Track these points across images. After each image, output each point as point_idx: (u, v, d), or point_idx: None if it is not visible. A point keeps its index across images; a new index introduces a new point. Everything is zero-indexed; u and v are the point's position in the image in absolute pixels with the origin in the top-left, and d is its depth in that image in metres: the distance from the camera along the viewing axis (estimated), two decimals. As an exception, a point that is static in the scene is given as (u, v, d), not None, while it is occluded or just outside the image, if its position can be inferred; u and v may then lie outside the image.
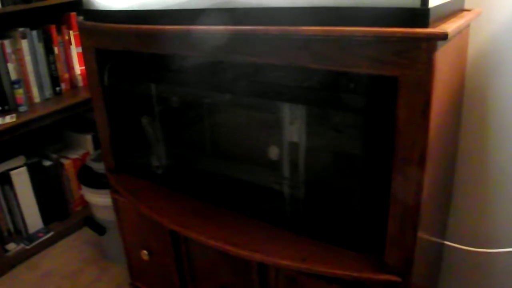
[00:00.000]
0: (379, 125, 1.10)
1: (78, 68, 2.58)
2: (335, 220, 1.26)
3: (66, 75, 2.54)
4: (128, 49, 1.42)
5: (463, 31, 1.31)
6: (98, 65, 1.59)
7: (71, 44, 2.54)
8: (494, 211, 1.60)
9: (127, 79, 1.56)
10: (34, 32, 2.38)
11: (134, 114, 1.63)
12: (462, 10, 1.37)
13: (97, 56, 1.58)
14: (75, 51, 2.55)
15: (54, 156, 2.52)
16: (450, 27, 1.03)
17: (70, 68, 2.55)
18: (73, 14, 2.51)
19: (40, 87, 2.44)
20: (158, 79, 1.48)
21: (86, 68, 1.65)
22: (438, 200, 1.36)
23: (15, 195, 2.37)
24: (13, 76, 2.31)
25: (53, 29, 2.44)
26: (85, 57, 1.62)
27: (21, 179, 2.37)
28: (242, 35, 1.13)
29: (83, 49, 1.61)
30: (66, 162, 2.53)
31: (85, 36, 1.58)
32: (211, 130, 1.50)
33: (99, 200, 2.09)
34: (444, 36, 0.96)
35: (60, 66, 2.50)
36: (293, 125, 1.23)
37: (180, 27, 1.21)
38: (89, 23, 1.51)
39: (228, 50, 1.18)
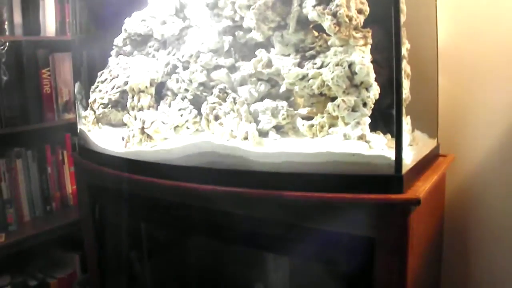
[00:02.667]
0: (360, 281, 1.14)
1: (70, 187, 2.62)
2: None
3: (58, 194, 2.57)
4: (119, 189, 1.48)
5: (439, 182, 1.38)
6: (90, 198, 1.65)
7: (64, 163, 2.60)
8: None
9: (118, 215, 1.60)
10: (29, 152, 2.44)
11: (123, 247, 1.66)
12: (438, 156, 1.45)
13: (90, 190, 1.64)
14: (67, 170, 2.60)
15: (40, 275, 2.50)
16: (423, 189, 1.10)
17: (61, 187, 2.59)
18: (67, 135, 2.59)
19: (31, 206, 2.46)
20: (147, 218, 1.53)
21: (79, 200, 1.70)
22: None
23: (-3, 316, 2.33)
24: (5, 194, 2.34)
25: (47, 149, 2.51)
26: (78, 191, 1.69)
27: (5, 300, 2.34)
28: (227, 193, 1.20)
29: (77, 183, 1.67)
30: (52, 281, 2.51)
31: (79, 172, 1.65)
32: (198, 270, 1.53)
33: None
34: (417, 202, 1.03)
35: (52, 185, 2.54)
36: (277, 273, 1.28)
37: (172, 183, 1.29)
38: (84, 161, 1.58)
39: (215, 203, 1.25)
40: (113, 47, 1.75)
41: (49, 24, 2.35)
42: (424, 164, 1.28)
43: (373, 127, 1.18)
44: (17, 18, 2.23)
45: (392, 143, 1.08)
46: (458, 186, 1.57)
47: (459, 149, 1.54)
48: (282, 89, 1.32)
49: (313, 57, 1.26)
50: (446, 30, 1.52)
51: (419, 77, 1.30)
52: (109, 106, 1.64)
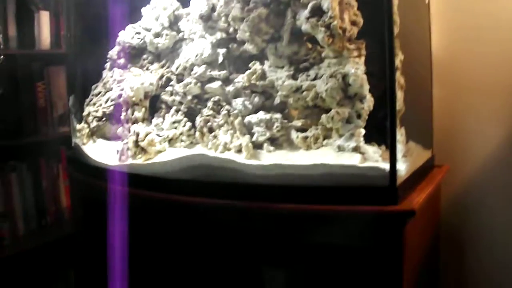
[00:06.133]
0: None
1: (65, 201, 2.60)
2: None
3: (52, 208, 2.55)
4: (113, 203, 1.47)
5: (434, 193, 1.38)
6: (85, 212, 1.64)
7: (59, 177, 2.58)
8: None
9: (112, 228, 1.59)
10: (24, 165, 2.42)
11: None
12: (433, 166, 1.45)
13: (84, 204, 1.63)
14: (62, 184, 2.59)
15: (35, 290, 2.49)
16: (418, 200, 1.10)
17: (56, 200, 2.57)
18: (62, 148, 2.58)
19: (26, 219, 2.44)
20: (142, 231, 1.51)
21: (73, 213, 1.69)
22: None
23: None
24: (0, 208, 2.33)
25: (42, 162, 2.50)
26: (73, 204, 1.67)
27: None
28: (221, 205, 1.20)
29: (71, 196, 1.66)
30: (46, 296, 2.50)
31: (74, 185, 1.64)
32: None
33: None
34: (411, 213, 1.03)
35: (47, 199, 2.52)
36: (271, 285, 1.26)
37: (166, 196, 1.29)
38: (79, 175, 1.58)
39: (209, 215, 1.24)
40: (107, 60, 1.75)
41: (43, 37, 2.35)
42: (419, 175, 1.27)
43: (368, 139, 1.18)
44: (12, 31, 2.23)
45: (387, 154, 1.08)
46: (453, 197, 1.57)
47: (454, 160, 1.54)
48: (276, 101, 1.32)
49: (307, 69, 1.26)
50: (440, 40, 1.53)
51: (413, 88, 1.30)
52: (104, 119, 1.64)
